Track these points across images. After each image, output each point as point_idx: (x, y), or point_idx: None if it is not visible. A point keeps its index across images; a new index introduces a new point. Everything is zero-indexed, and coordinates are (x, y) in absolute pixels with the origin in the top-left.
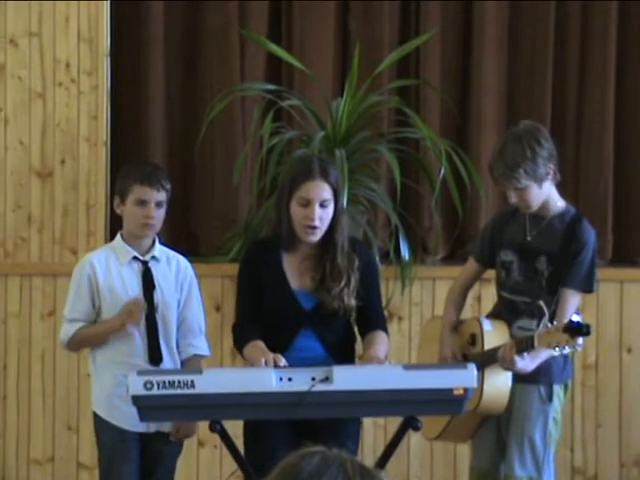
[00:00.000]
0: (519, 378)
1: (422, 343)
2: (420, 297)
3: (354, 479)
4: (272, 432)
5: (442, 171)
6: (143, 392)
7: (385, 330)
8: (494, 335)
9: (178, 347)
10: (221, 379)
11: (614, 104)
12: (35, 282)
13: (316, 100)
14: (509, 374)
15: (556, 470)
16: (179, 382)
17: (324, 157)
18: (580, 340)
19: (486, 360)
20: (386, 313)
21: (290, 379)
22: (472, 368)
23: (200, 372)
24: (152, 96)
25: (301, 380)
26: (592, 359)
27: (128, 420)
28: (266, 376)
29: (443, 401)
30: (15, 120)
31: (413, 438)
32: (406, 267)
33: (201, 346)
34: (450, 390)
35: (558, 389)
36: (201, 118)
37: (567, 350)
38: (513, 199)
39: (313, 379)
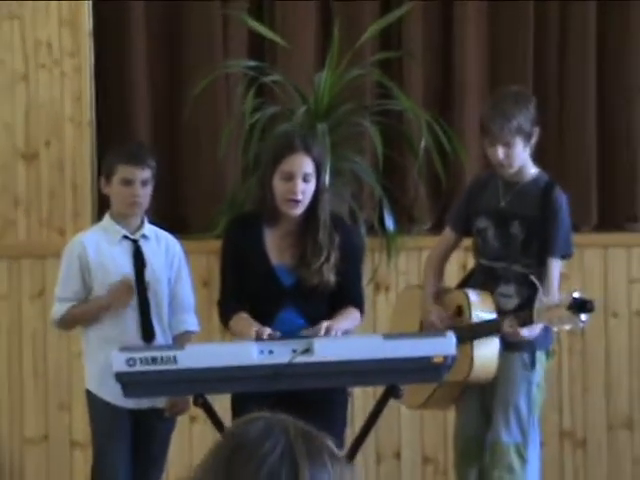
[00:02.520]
0: (502, 347)
1: (396, 313)
2: (407, 267)
3: (296, 442)
4: (258, 404)
5: (423, 142)
6: (126, 369)
7: (360, 308)
8: (480, 306)
9: (169, 324)
10: (202, 354)
11: (595, 68)
12: (24, 264)
13: (299, 75)
14: (497, 343)
15: (541, 433)
16: (161, 358)
17: (306, 132)
18: (583, 317)
19: (476, 333)
20: (372, 285)
21: (271, 352)
22: (451, 336)
23: (182, 348)
24: (135, 76)
25: (282, 352)
26: None
27: (120, 397)
28: (247, 349)
29: (423, 369)
30: None
31: (404, 406)
32: (392, 238)
33: (191, 322)
34: (429, 358)
35: (540, 355)
36: (185, 97)
37: (568, 326)
38: (500, 155)
39: (294, 351)
